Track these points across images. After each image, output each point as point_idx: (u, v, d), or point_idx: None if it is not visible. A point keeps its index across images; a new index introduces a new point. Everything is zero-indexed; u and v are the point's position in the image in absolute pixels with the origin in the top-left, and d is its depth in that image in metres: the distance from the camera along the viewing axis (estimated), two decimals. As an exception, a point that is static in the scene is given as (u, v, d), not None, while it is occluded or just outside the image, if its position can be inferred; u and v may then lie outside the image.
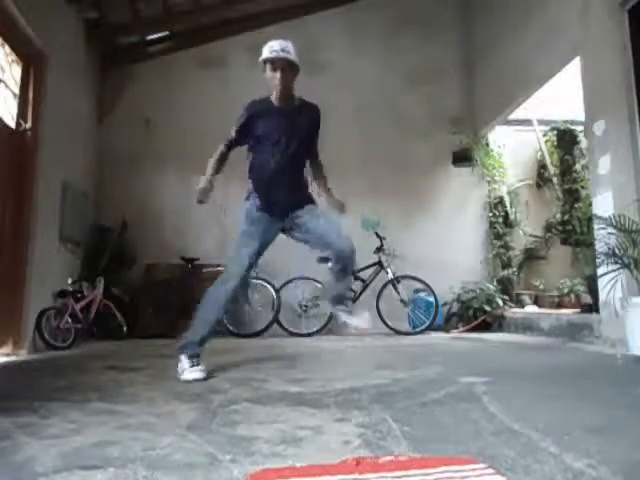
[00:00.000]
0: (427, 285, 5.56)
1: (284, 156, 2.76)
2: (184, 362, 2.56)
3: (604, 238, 3.48)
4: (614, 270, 3.35)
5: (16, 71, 4.20)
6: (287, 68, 2.71)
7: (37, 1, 4.19)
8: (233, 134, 2.85)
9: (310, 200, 2.90)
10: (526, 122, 6.50)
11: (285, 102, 2.79)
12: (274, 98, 2.80)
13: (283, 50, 2.71)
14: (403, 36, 6.62)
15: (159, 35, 6.39)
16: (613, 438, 1.36)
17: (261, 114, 2.79)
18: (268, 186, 2.79)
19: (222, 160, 2.87)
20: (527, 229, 6.33)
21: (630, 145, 3.72)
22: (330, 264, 2.92)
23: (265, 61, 2.73)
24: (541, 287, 6.10)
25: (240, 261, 2.77)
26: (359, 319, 3.04)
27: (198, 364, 2.56)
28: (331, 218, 2.89)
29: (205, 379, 2.45)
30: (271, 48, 2.71)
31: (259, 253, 2.85)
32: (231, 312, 5.18)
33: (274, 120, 2.77)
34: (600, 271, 3.57)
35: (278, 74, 2.70)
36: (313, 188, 3.00)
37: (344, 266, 2.87)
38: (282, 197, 2.80)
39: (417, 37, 6.66)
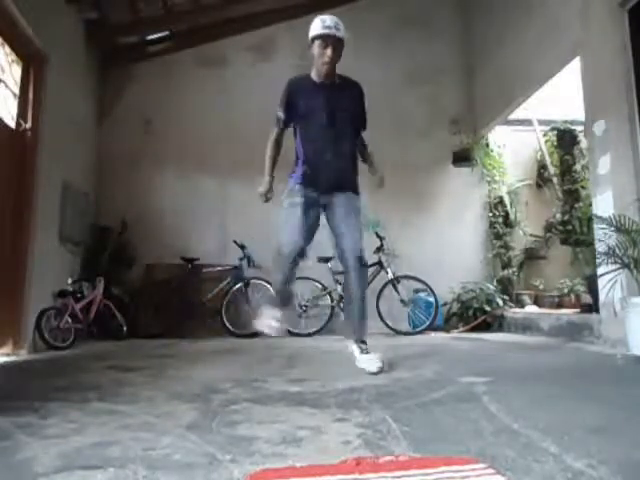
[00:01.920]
0: (427, 285, 5.56)
1: (328, 133, 2.70)
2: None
3: (604, 238, 3.48)
4: (614, 270, 3.35)
5: (16, 71, 4.20)
6: (338, 46, 2.65)
7: (37, 1, 4.19)
8: (280, 114, 2.78)
9: (356, 187, 2.86)
10: (526, 122, 6.50)
11: (328, 79, 2.73)
12: (316, 75, 2.74)
13: (336, 26, 2.63)
14: (403, 36, 6.62)
15: (159, 35, 6.39)
16: (613, 438, 1.36)
17: (303, 91, 2.73)
18: (315, 163, 2.73)
19: (278, 146, 2.85)
20: (527, 229, 6.33)
21: (630, 145, 3.72)
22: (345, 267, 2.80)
23: (316, 37, 2.64)
24: (541, 287, 6.10)
25: (291, 236, 2.67)
26: (370, 361, 2.61)
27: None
28: (359, 223, 2.81)
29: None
30: (324, 23, 2.62)
31: (309, 228, 2.73)
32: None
33: (316, 97, 2.71)
34: (600, 271, 3.57)
35: (329, 51, 2.62)
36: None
37: (353, 285, 2.73)
38: (328, 175, 2.73)
39: (417, 37, 6.66)
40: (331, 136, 2.70)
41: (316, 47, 2.65)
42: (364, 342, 2.75)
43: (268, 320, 2.76)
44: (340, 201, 2.77)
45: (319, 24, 2.64)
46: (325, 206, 2.80)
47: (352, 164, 2.88)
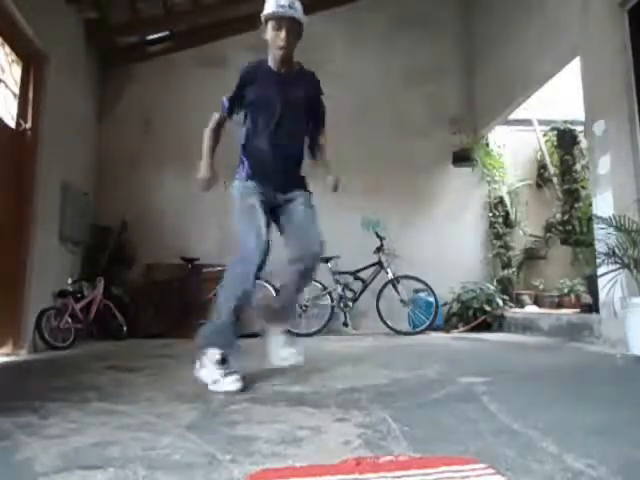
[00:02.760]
0: (427, 285, 5.56)
1: (280, 126, 2.43)
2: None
3: (604, 238, 3.48)
4: (614, 270, 3.35)
5: (16, 71, 4.21)
6: (293, 28, 2.36)
7: (37, 1, 4.19)
8: (225, 101, 2.54)
9: (306, 185, 2.59)
10: (526, 122, 6.50)
11: (284, 67, 2.46)
12: (272, 61, 2.47)
13: (291, 6, 2.33)
14: (403, 36, 6.62)
15: (159, 35, 6.39)
16: (613, 438, 1.36)
17: (256, 78, 2.47)
18: (262, 159, 2.47)
19: (218, 135, 2.58)
20: (527, 229, 6.33)
21: (630, 145, 3.72)
22: (289, 269, 2.49)
23: (268, 18, 2.36)
24: (541, 287, 6.10)
25: (256, 231, 2.33)
26: (287, 352, 2.43)
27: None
28: (316, 221, 2.51)
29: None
30: (277, 1, 2.32)
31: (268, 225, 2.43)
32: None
33: (270, 86, 2.44)
34: (600, 271, 3.57)
35: (282, 34, 2.34)
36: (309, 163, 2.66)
37: (300, 280, 2.51)
38: (277, 172, 2.47)
39: (417, 37, 6.66)
40: (283, 130, 2.44)
41: (269, 29, 2.37)
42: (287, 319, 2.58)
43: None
44: (296, 195, 2.51)
45: (272, 2, 2.34)
46: (275, 207, 2.52)
47: (302, 166, 2.62)
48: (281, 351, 2.45)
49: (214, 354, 2.27)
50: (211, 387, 2.19)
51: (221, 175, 2.59)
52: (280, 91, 2.45)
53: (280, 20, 2.34)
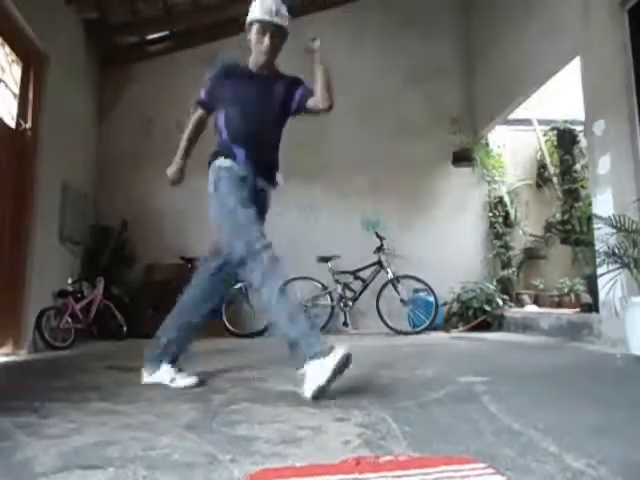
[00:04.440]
0: (427, 285, 5.56)
1: (257, 127, 2.37)
2: None
3: (604, 238, 3.48)
4: (614, 270, 3.35)
5: (16, 71, 4.21)
6: (278, 34, 2.36)
7: (37, 1, 4.19)
8: (202, 95, 2.50)
9: (275, 183, 2.50)
10: (526, 122, 6.50)
11: (265, 70, 2.44)
12: (253, 64, 2.44)
13: (277, 13, 2.32)
14: (403, 36, 6.62)
15: (159, 35, 6.39)
16: (613, 438, 1.36)
17: (232, 75, 2.43)
18: (245, 155, 2.35)
19: (201, 129, 2.55)
20: (527, 229, 6.33)
21: (630, 145, 3.72)
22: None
23: (253, 22, 2.35)
24: (541, 287, 6.10)
25: (247, 228, 2.18)
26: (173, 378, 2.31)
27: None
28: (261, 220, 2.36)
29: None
30: (265, 7, 2.31)
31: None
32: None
33: (246, 84, 2.40)
34: (600, 271, 3.57)
35: (266, 40, 2.34)
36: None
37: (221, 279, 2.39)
38: (257, 168, 2.38)
39: (417, 37, 6.66)
40: (260, 129, 2.37)
41: (253, 33, 2.36)
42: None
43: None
44: (265, 199, 2.46)
45: (258, 6, 2.33)
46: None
47: (276, 161, 2.53)
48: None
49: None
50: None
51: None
52: (258, 92, 2.41)
53: (265, 26, 2.34)
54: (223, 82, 2.46)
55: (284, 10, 2.38)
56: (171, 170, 2.57)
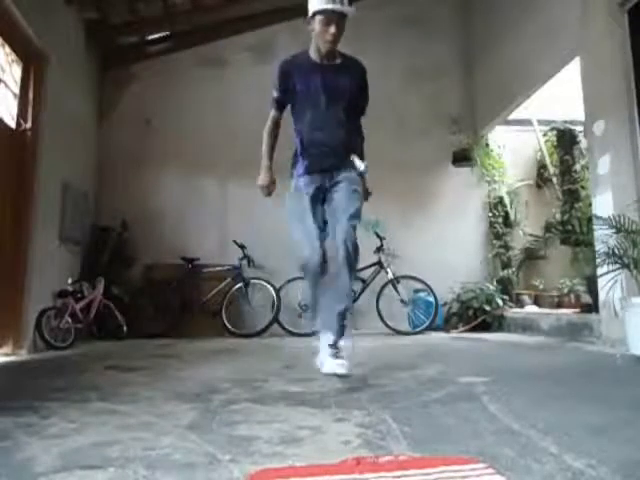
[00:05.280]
0: (427, 285, 5.56)
1: (326, 117, 2.46)
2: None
3: (604, 238, 3.48)
4: (614, 270, 3.35)
5: (16, 71, 4.21)
6: (342, 22, 2.36)
7: (37, 1, 4.19)
8: (275, 93, 2.54)
9: (354, 165, 2.59)
10: (526, 122, 6.49)
11: (327, 58, 2.47)
12: (315, 53, 2.47)
13: (341, 1, 2.32)
14: (403, 36, 6.62)
15: (159, 35, 6.39)
16: (613, 438, 1.36)
17: (298, 70, 2.47)
18: (314, 150, 2.49)
19: (275, 130, 2.61)
20: (527, 229, 6.32)
21: (630, 145, 3.72)
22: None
23: (317, 12, 2.34)
24: (541, 287, 6.10)
25: (309, 241, 2.34)
26: (334, 364, 2.26)
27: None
28: (355, 205, 2.49)
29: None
30: None
31: (322, 218, 2.45)
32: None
33: (314, 77, 2.45)
34: (600, 271, 3.57)
35: (332, 29, 2.34)
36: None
37: (338, 274, 2.38)
38: (327, 158, 2.50)
39: (417, 37, 6.66)
40: (329, 118, 2.47)
41: (317, 23, 2.36)
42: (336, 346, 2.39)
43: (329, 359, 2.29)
44: (342, 177, 2.52)
45: None
46: (325, 191, 2.53)
47: (352, 150, 2.63)
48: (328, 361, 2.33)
49: (327, 338, 2.35)
50: (322, 369, 2.31)
51: (280, 176, 2.63)
52: (324, 80, 2.46)
53: (330, 15, 2.34)
54: (290, 78, 2.49)
55: None
56: (261, 181, 2.57)
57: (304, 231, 2.39)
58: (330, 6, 2.31)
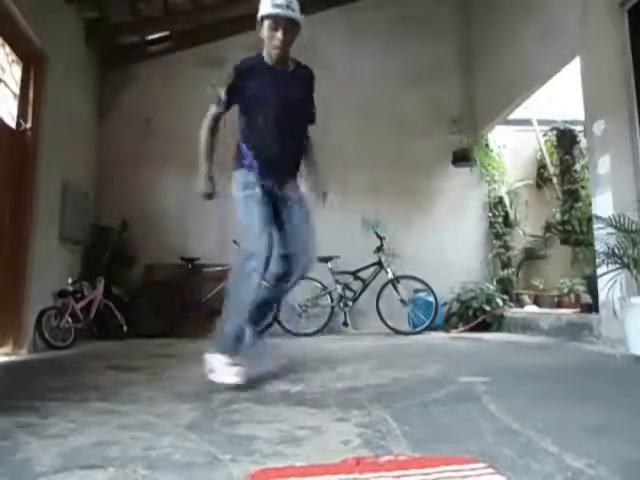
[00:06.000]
0: (427, 285, 5.56)
1: (278, 122, 2.42)
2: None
3: (604, 238, 3.48)
4: (614, 270, 3.35)
5: (16, 71, 4.21)
6: (290, 28, 2.34)
7: (37, 1, 4.19)
8: (222, 95, 2.47)
9: (298, 186, 2.59)
10: (526, 122, 6.49)
11: (280, 64, 2.46)
12: (267, 58, 2.45)
13: (288, 6, 2.30)
14: (403, 36, 6.61)
15: (159, 35, 6.39)
16: (613, 438, 1.36)
17: (252, 74, 2.43)
18: (266, 154, 2.46)
19: (215, 131, 2.55)
20: (527, 229, 6.33)
21: (630, 145, 3.72)
22: (271, 271, 2.41)
23: (265, 17, 2.33)
24: (541, 287, 6.10)
25: (258, 229, 2.29)
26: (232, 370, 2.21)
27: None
28: (312, 225, 2.50)
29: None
30: (274, 1, 2.29)
31: (270, 225, 2.39)
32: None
33: (267, 82, 2.42)
34: (600, 271, 3.57)
35: (279, 34, 2.33)
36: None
37: (279, 289, 2.47)
38: (279, 166, 2.47)
39: (417, 37, 6.66)
40: (281, 125, 2.43)
41: (265, 28, 2.35)
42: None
43: (222, 368, 2.22)
44: (293, 195, 2.51)
45: (268, 1, 2.30)
46: (276, 200, 2.50)
47: (300, 159, 2.61)
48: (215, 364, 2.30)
49: (222, 359, 2.28)
50: (210, 376, 2.24)
51: (220, 179, 2.58)
52: (278, 87, 2.45)
53: (277, 20, 2.33)
54: (242, 81, 2.45)
55: (295, 3, 2.36)
56: (202, 187, 2.53)
57: (255, 218, 2.35)
58: (277, 11, 2.29)
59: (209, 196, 2.53)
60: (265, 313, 2.61)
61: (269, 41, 2.39)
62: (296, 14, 2.35)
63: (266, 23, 2.36)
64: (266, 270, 2.32)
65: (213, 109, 2.54)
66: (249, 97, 2.46)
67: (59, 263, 4.78)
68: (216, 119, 2.56)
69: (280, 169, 2.50)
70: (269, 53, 2.45)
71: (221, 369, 2.23)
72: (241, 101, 2.50)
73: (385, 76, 6.51)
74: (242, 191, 2.45)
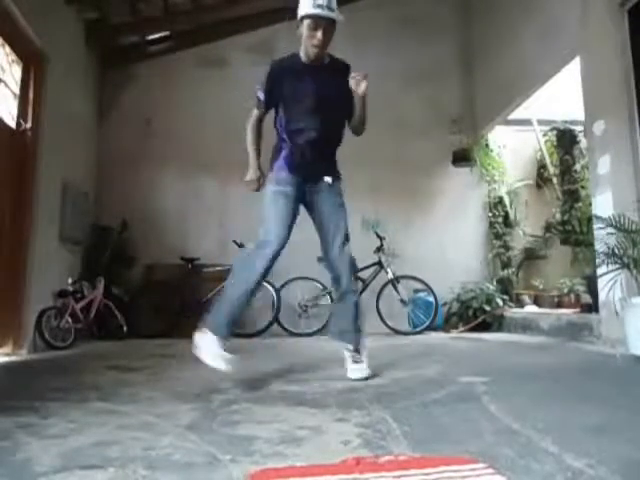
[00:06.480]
0: (427, 285, 5.56)
1: (316, 118, 2.48)
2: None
3: (604, 238, 3.48)
4: (614, 270, 3.35)
5: (16, 71, 4.21)
6: (330, 28, 2.37)
7: (37, 1, 4.19)
8: (261, 96, 2.53)
9: (337, 172, 2.68)
10: (526, 122, 6.49)
11: (316, 61, 2.50)
12: (304, 56, 2.49)
13: (329, 7, 2.33)
14: (403, 36, 6.61)
15: (159, 35, 6.39)
16: (613, 438, 1.36)
17: (288, 73, 2.48)
18: (300, 151, 2.52)
19: (259, 130, 2.59)
20: (527, 229, 6.33)
21: (630, 145, 3.72)
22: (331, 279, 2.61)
23: (305, 16, 2.36)
24: (541, 287, 6.10)
25: (277, 226, 2.40)
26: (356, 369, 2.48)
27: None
28: (343, 218, 2.60)
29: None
30: (315, 1, 2.31)
31: (291, 223, 2.49)
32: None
33: (303, 79, 2.47)
34: (600, 271, 3.57)
35: (319, 34, 2.35)
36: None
37: (344, 293, 2.57)
38: (314, 162, 2.55)
39: (417, 37, 6.66)
40: (318, 122, 2.49)
41: (305, 27, 2.38)
42: (358, 351, 2.59)
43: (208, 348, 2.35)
44: (327, 190, 2.61)
45: (310, 1, 2.33)
46: (309, 195, 2.61)
47: (336, 151, 2.73)
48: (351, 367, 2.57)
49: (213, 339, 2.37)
50: (203, 358, 2.31)
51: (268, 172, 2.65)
52: (314, 83, 2.49)
53: (317, 20, 2.35)
54: (279, 81, 2.50)
55: (334, 3, 2.38)
56: (251, 175, 2.57)
57: (278, 213, 2.45)
58: (318, 11, 2.32)
59: (257, 184, 2.58)
60: (356, 316, 2.66)
61: (308, 40, 2.41)
62: (336, 14, 2.38)
63: (306, 22, 2.38)
64: (273, 261, 2.40)
65: (255, 111, 2.60)
66: (286, 96, 2.51)
67: (59, 263, 4.78)
68: (259, 120, 2.62)
69: (315, 164, 2.58)
70: (307, 52, 2.48)
71: (210, 350, 2.32)
72: (279, 101, 2.55)
73: (385, 76, 6.50)
74: (274, 186, 2.53)
